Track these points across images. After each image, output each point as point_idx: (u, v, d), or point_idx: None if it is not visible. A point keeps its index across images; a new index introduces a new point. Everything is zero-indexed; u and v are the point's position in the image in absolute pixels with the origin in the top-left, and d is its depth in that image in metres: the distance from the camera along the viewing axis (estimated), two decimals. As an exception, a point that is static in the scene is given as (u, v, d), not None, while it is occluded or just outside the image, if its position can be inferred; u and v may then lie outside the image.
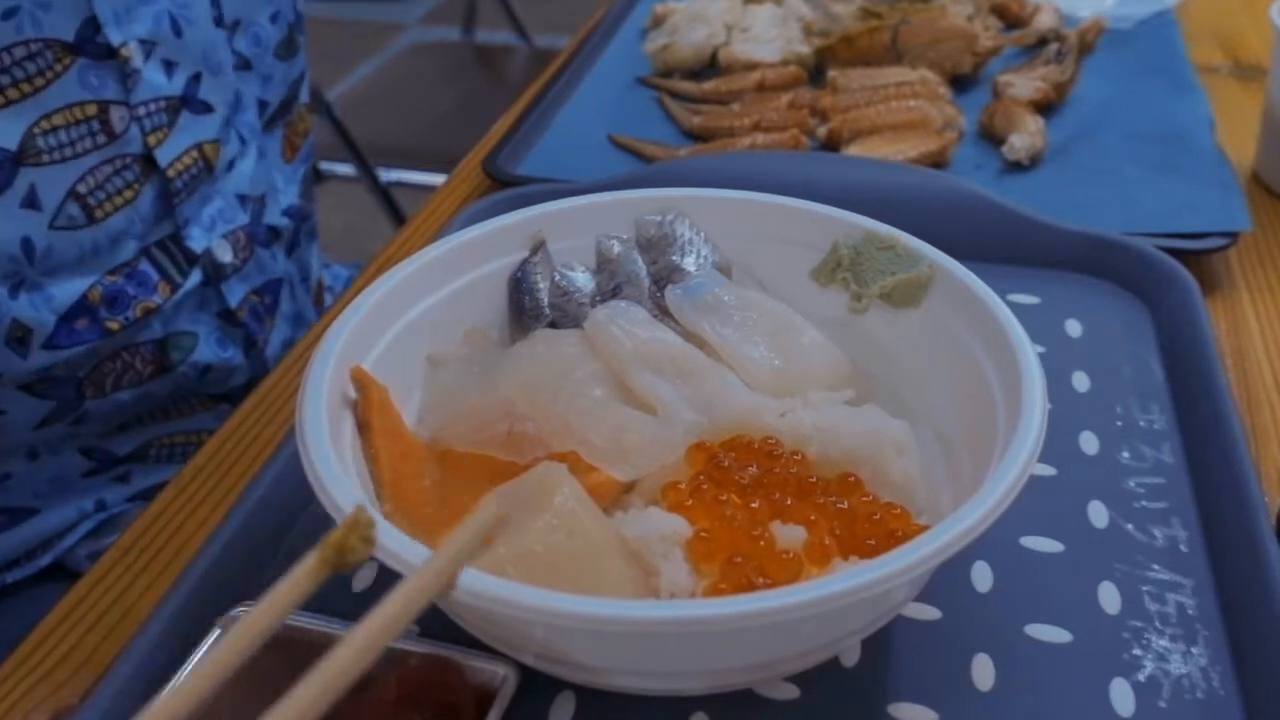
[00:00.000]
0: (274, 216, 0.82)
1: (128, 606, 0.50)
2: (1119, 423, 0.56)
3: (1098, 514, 0.51)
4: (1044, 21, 1.00)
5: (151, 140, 0.68)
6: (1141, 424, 0.56)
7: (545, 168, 0.82)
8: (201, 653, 0.41)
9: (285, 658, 0.41)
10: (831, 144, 0.83)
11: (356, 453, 0.44)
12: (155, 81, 0.68)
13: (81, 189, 0.65)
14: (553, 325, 0.52)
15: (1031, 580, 0.48)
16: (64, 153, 0.63)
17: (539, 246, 0.54)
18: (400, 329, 0.49)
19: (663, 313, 0.52)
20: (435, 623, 0.43)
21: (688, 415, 0.47)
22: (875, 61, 0.92)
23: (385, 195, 1.72)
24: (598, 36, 1.04)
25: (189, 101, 0.71)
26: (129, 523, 0.72)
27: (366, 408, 0.45)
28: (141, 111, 0.67)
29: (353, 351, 0.46)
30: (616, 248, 0.54)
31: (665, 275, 0.53)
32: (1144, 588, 0.47)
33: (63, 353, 0.67)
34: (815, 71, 0.94)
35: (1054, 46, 0.93)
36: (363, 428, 0.44)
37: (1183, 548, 0.49)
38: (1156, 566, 0.48)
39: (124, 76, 0.66)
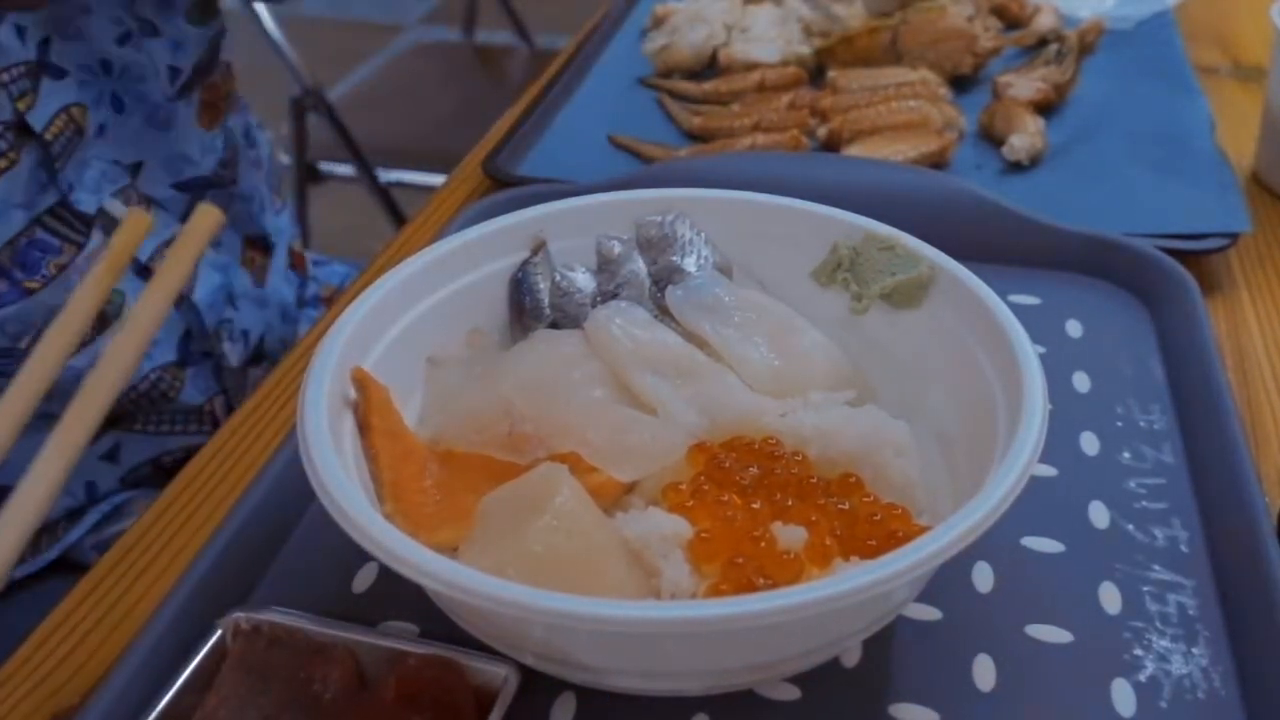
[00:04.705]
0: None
1: (128, 608, 0.50)
2: (1119, 423, 0.56)
3: (1098, 514, 0.51)
4: (1044, 22, 1.00)
5: (21, 105, 0.67)
6: (1142, 424, 0.56)
7: (545, 168, 0.82)
8: (201, 654, 0.41)
9: (286, 658, 0.41)
10: (831, 144, 0.83)
11: (357, 453, 0.44)
12: (9, 45, 0.66)
13: None
14: (553, 326, 0.52)
15: (1032, 580, 0.48)
16: None
17: (539, 247, 0.54)
18: (400, 329, 0.49)
19: (663, 313, 0.52)
20: (435, 623, 0.43)
21: (688, 416, 0.47)
22: (875, 62, 0.92)
23: (385, 195, 1.72)
24: (598, 37, 1.04)
25: (45, 66, 0.69)
26: (135, 511, 0.70)
27: (367, 408, 0.45)
28: (5, 78, 0.66)
29: (353, 352, 0.46)
30: (617, 248, 0.54)
31: (665, 276, 0.52)
32: (1145, 588, 0.47)
33: None
34: (815, 72, 0.94)
35: (1054, 47, 0.93)
36: (363, 428, 0.44)
37: (1183, 548, 0.49)
38: (1157, 567, 0.48)
39: None
